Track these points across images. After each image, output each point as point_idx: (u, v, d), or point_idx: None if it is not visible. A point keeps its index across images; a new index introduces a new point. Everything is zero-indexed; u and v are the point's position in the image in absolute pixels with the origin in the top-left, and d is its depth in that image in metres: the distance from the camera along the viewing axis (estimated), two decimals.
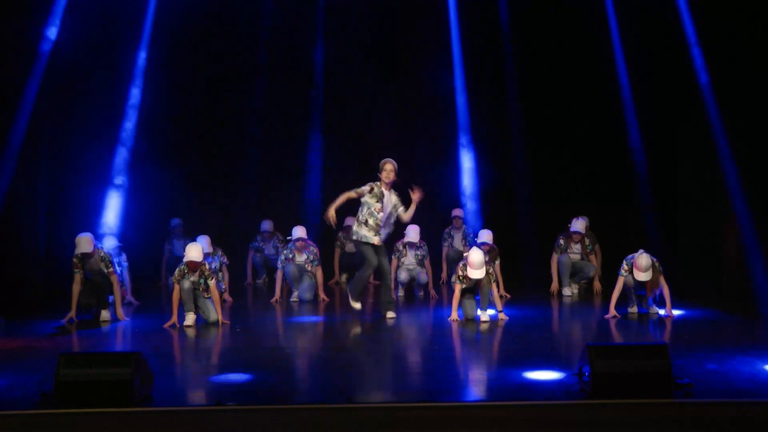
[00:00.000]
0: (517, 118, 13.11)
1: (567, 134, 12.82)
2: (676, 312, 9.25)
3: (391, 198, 9.16)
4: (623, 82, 12.27)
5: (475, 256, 8.93)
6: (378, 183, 9.12)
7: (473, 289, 9.17)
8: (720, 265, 10.90)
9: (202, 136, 13.24)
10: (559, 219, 11.32)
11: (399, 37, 13.26)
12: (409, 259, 10.87)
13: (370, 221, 9.05)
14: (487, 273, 9.02)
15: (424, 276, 10.87)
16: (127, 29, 11.99)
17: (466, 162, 12.96)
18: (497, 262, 10.52)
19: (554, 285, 10.93)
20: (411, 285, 11.07)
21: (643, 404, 5.70)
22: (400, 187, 9.26)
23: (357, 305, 9.23)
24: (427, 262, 10.91)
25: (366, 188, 9.09)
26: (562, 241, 10.91)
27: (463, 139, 13.02)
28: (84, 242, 9.04)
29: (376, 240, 9.09)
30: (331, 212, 8.94)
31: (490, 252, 10.13)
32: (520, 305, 10.19)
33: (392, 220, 9.26)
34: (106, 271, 9.19)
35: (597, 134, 12.62)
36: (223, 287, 10.31)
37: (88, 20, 11.02)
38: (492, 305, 9.23)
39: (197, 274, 8.96)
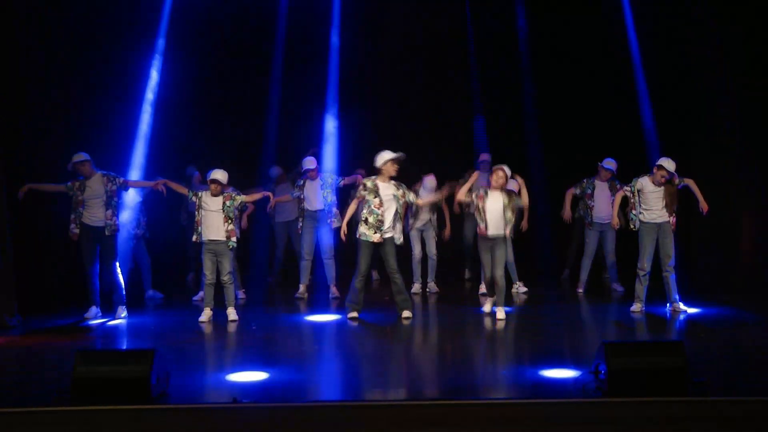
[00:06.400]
0: (530, 99, 13.05)
1: (580, 120, 12.67)
2: (692, 310, 9.21)
3: (393, 190, 9.02)
4: (636, 64, 12.14)
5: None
6: (374, 177, 9.08)
7: (493, 244, 8.98)
8: (736, 261, 10.83)
9: (217, 131, 13.22)
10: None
11: (413, 18, 13.27)
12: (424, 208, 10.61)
13: (370, 219, 8.96)
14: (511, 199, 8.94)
15: (433, 247, 10.75)
16: (145, 18, 11.96)
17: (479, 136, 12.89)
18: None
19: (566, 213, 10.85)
20: (423, 269, 10.97)
21: (659, 402, 5.68)
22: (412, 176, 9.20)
23: (352, 314, 9.11)
24: (443, 206, 10.65)
25: (360, 188, 9.10)
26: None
27: (477, 118, 12.96)
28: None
29: (375, 237, 8.95)
30: (344, 227, 9.05)
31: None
32: (536, 303, 10.18)
33: (400, 213, 9.08)
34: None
35: (610, 120, 12.46)
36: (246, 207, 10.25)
37: (105, 8, 11.02)
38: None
39: (220, 201, 9.05)
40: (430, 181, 10.61)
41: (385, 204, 8.96)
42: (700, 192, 9.15)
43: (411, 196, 9.13)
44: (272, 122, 13.19)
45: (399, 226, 9.10)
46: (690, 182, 9.20)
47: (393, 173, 9.01)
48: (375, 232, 8.95)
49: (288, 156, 12.33)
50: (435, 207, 10.69)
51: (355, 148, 12.56)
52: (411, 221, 10.72)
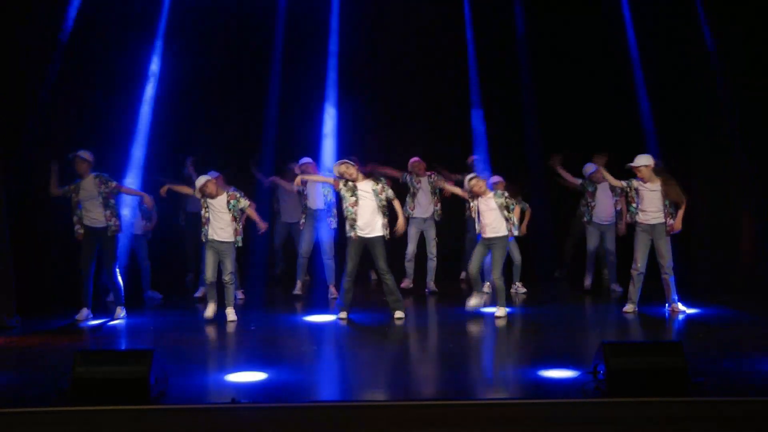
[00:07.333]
0: (529, 99, 13.02)
1: (580, 119, 12.60)
2: (691, 310, 9.21)
3: (371, 186, 9.04)
4: (636, 64, 12.11)
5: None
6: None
7: (491, 245, 9.16)
8: (736, 261, 10.82)
9: (216, 129, 13.19)
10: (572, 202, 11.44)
11: (413, 17, 13.26)
12: (424, 187, 10.67)
13: (348, 216, 9.04)
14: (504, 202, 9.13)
15: (434, 248, 10.75)
16: (144, 16, 11.93)
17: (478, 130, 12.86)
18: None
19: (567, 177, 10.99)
20: (422, 269, 10.96)
21: (659, 402, 5.68)
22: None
23: (340, 315, 9.18)
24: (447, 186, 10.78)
25: (341, 181, 9.11)
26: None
27: (476, 117, 12.93)
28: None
29: (352, 234, 9.03)
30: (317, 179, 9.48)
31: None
32: (535, 303, 10.17)
33: (380, 207, 9.05)
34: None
35: (610, 120, 12.41)
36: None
37: (105, 7, 11.01)
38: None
39: (224, 199, 9.07)
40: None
41: (360, 202, 9.01)
42: (683, 215, 9.12)
43: (390, 193, 9.09)
44: (271, 120, 13.16)
45: (381, 220, 9.05)
46: (683, 205, 9.16)
47: (347, 175, 9.02)
48: (351, 229, 9.02)
49: (287, 155, 12.32)
50: (440, 197, 10.80)
51: (354, 147, 12.51)
52: (411, 204, 10.74)
